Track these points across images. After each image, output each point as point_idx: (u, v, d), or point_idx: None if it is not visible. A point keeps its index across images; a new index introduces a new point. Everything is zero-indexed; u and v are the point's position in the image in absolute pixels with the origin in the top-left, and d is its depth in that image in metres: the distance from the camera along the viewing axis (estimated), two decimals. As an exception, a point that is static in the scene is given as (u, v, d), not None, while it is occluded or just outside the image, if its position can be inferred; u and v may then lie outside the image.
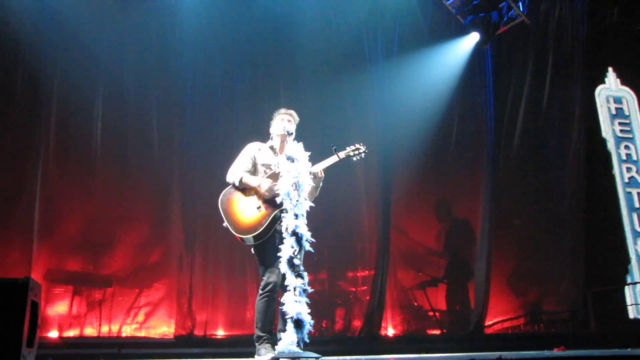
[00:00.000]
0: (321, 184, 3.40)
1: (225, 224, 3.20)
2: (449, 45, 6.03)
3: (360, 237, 5.70)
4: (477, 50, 6.04)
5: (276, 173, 3.28)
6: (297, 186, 3.04)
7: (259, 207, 3.24)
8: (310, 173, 3.24)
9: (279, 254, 3.00)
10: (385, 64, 5.92)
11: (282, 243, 3.00)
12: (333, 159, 3.42)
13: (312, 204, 3.15)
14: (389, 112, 5.82)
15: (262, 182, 3.27)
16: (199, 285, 5.09)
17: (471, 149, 6.04)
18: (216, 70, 5.55)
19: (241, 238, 3.21)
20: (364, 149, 3.58)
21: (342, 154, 3.47)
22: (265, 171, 3.39)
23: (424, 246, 5.84)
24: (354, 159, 3.56)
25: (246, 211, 3.24)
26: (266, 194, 3.25)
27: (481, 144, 6.00)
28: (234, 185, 3.34)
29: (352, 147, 3.56)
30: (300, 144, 3.21)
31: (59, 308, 4.76)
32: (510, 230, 5.87)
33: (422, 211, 5.90)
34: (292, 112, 3.56)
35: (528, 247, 5.81)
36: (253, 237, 3.17)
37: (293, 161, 3.10)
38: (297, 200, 3.00)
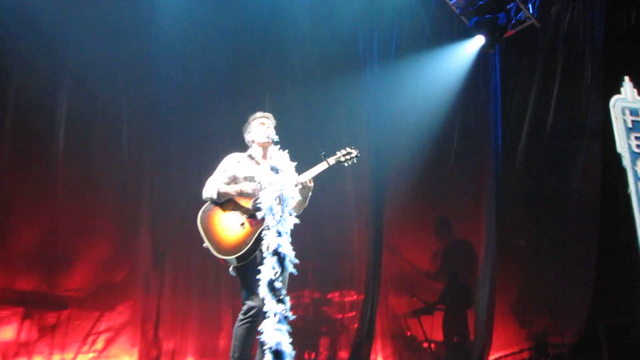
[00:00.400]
0: (310, 194, 3.47)
1: (206, 244, 3.25)
2: (451, 49, 6.14)
3: (348, 257, 5.77)
4: (482, 55, 6.14)
5: (254, 183, 3.34)
6: (281, 200, 3.07)
7: (242, 224, 3.29)
8: (298, 183, 3.30)
9: (259, 276, 3.03)
10: (382, 66, 6.01)
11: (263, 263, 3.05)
12: (322, 166, 3.49)
13: (298, 221, 3.19)
14: (384, 120, 5.90)
15: (242, 186, 3.33)
16: (167, 309, 5.09)
17: (474, 162, 6.14)
18: (195, 69, 5.59)
19: (224, 260, 3.25)
20: (355, 153, 3.68)
21: (332, 160, 3.57)
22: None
23: (419, 268, 5.94)
24: (345, 164, 3.67)
25: (229, 229, 3.27)
26: (251, 201, 3.27)
27: (484, 158, 6.10)
28: (212, 201, 3.38)
29: (343, 152, 3.66)
30: (286, 152, 3.26)
31: (4, 334, 4.63)
32: (515, 252, 5.96)
33: (417, 229, 5.98)
34: (269, 114, 3.64)
35: (534, 272, 5.88)
36: (237, 257, 3.21)
37: (277, 172, 3.14)
38: (281, 216, 3.05)
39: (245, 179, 3.44)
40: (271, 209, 3.08)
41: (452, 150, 6.09)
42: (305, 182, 3.39)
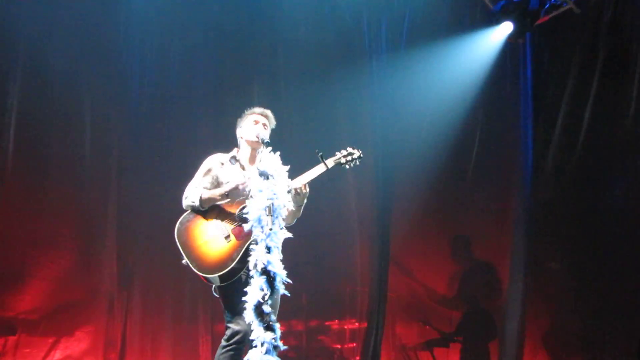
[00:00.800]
0: (305, 202, 3.47)
1: (185, 260, 3.26)
2: (473, 38, 6.07)
3: (349, 278, 5.81)
4: (510, 45, 6.02)
5: (242, 182, 3.36)
6: (271, 210, 3.07)
7: (227, 237, 3.31)
8: (291, 190, 3.31)
9: (244, 298, 3.05)
10: (390, 58, 6.02)
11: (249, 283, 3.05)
12: (320, 169, 3.50)
13: (290, 235, 3.20)
14: (392, 120, 5.93)
15: (227, 187, 3.36)
16: (134, 335, 5.12)
17: (498, 169, 6.10)
18: (171, 61, 5.64)
19: (206, 278, 3.27)
20: (358, 154, 3.71)
21: (330, 162, 3.58)
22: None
23: (432, 292, 5.94)
24: (347, 166, 3.69)
25: (212, 242, 3.30)
26: (237, 209, 3.28)
27: (511, 164, 6.04)
28: (193, 209, 3.40)
29: (344, 152, 3.68)
30: (277, 155, 3.26)
31: (-61, 364, 4.79)
32: (547, 276, 5.89)
33: (431, 247, 5.99)
34: (269, 113, 3.66)
35: (570, 299, 5.80)
36: (221, 276, 3.22)
37: (267, 178, 3.14)
38: (271, 229, 3.04)
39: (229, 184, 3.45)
40: (259, 221, 3.07)
41: (472, 157, 6.08)
42: (300, 187, 3.39)
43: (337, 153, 3.67)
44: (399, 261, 5.89)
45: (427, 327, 5.77)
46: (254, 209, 3.12)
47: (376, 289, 5.63)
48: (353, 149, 3.73)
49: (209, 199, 3.38)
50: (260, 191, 3.13)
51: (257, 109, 3.67)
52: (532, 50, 6.19)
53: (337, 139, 5.53)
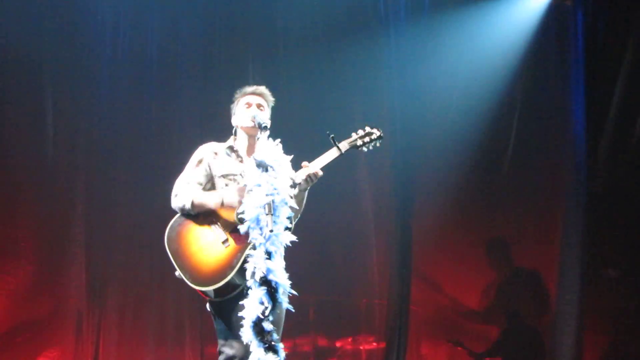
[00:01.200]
0: (306, 193, 3.45)
1: (179, 272, 3.27)
2: (510, 0, 6.08)
3: (364, 289, 5.84)
4: (556, 9, 6.01)
5: (242, 187, 3.34)
6: (271, 208, 3.04)
7: (225, 241, 3.32)
8: (294, 183, 3.32)
9: (241, 313, 3.03)
10: (411, 26, 6.01)
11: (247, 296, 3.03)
12: (332, 154, 3.50)
13: (295, 238, 3.18)
14: (413, 100, 5.93)
15: (225, 195, 3.36)
16: (108, 358, 5.13)
17: (542, 159, 6.03)
18: (149, 33, 5.69)
19: (203, 292, 3.28)
20: (378, 134, 3.70)
21: (345, 145, 3.58)
22: (226, 186, 3.47)
23: (463, 306, 5.96)
24: (364, 149, 3.68)
25: (208, 249, 3.31)
26: (235, 212, 3.26)
27: (558, 153, 5.99)
28: (183, 212, 3.41)
29: (360, 132, 3.68)
30: (278, 142, 3.25)
31: None
32: (604, 286, 5.84)
33: (461, 253, 5.98)
34: (263, 90, 3.67)
35: (632, 312, 5.75)
36: (218, 289, 3.22)
37: (266, 169, 3.12)
38: (271, 231, 3.00)
39: (223, 177, 3.48)
40: (257, 221, 3.05)
41: (509, 144, 6.04)
42: (311, 175, 3.39)
43: (353, 134, 3.65)
44: (423, 269, 5.90)
45: (458, 347, 5.75)
46: (250, 208, 3.09)
47: (396, 301, 5.65)
48: (372, 128, 3.71)
49: (202, 205, 3.38)
50: (258, 185, 3.10)
51: (249, 88, 3.67)
52: (584, 16, 6.06)
53: (348, 124, 5.34)
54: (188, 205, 3.37)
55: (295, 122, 5.58)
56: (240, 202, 3.22)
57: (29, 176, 5.29)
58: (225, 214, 3.37)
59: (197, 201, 3.37)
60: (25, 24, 5.34)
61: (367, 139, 3.68)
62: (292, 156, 3.28)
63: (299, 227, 3.43)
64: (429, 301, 5.92)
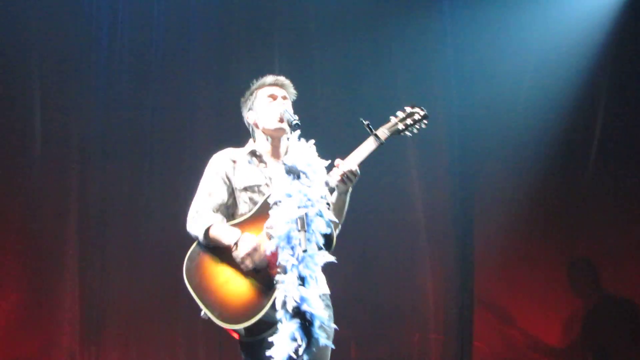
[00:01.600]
0: (348, 197, 3.46)
1: (204, 312, 3.27)
2: None
3: (416, 320, 5.81)
4: None
5: (267, 204, 3.31)
6: (304, 223, 3.03)
7: (257, 269, 3.29)
8: (330, 187, 3.33)
9: (268, 353, 3.01)
10: (467, 1, 6.08)
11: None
12: (369, 146, 3.49)
13: (333, 258, 3.16)
14: (474, 85, 5.96)
15: (240, 241, 3.32)
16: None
17: (636, 159, 5.99)
18: (154, 20, 5.73)
19: (236, 330, 3.28)
20: (422, 114, 3.69)
21: (384, 132, 3.56)
22: (250, 200, 3.50)
23: (539, 341, 5.89)
24: (407, 133, 3.67)
25: (236, 280, 3.31)
26: (248, 264, 3.29)
27: None
28: (198, 240, 3.42)
29: (400, 115, 3.67)
30: (311, 143, 3.23)
31: None
32: None
33: (535, 274, 5.93)
34: (285, 80, 3.71)
35: None
36: (254, 324, 3.21)
37: (298, 176, 3.13)
38: (305, 251, 3.00)
39: (246, 190, 3.50)
40: (288, 239, 3.04)
41: (594, 139, 6.02)
42: (347, 173, 3.38)
43: (392, 118, 3.63)
44: (488, 296, 5.92)
45: (535, 394, 5.81)
46: (280, 223, 3.08)
47: (456, 336, 5.70)
48: (413, 107, 3.69)
49: (217, 240, 3.37)
50: (289, 196, 3.10)
51: (268, 79, 3.69)
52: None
53: (394, 107, 5.49)
54: (201, 236, 3.39)
55: (330, 118, 5.65)
56: (248, 255, 3.25)
57: (12, 193, 5.36)
58: (252, 232, 3.35)
59: (213, 234, 3.38)
60: (8, 9, 5.45)
61: (409, 121, 3.65)
62: (328, 162, 3.26)
63: (336, 246, 3.39)
64: (496, 336, 5.90)
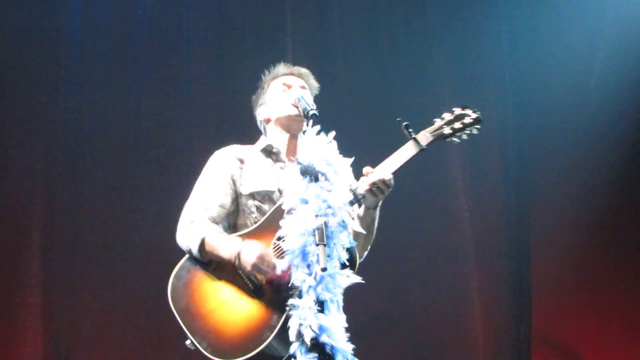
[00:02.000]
0: (378, 212, 3.48)
1: (191, 340, 3.28)
2: None
3: (463, 356, 5.87)
4: None
5: (278, 213, 3.34)
6: (323, 236, 3.03)
7: (258, 289, 3.32)
8: (358, 196, 3.33)
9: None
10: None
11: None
12: (408, 151, 3.47)
13: (359, 278, 3.19)
14: (532, 78, 6.07)
15: (242, 249, 3.33)
16: None
17: None
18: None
19: None
20: (474, 117, 3.63)
21: (426, 137, 3.53)
22: (257, 209, 3.55)
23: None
24: (454, 139, 3.62)
25: (233, 303, 3.33)
26: (252, 274, 3.30)
27: None
28: (191, 254, 3.44)
29: (447, 116, 3.63)
30: (331, 137, 3.30)
31: None
32: None
33: (607, 303, 5.92)
34: (303, 70, 3.80)
35: None
36: (255, 359, 3.20)
37: (316, 178, 3.15)
38: (324, 269, 2.99)
39: (254, 197, 3.54)
40: (304, 255, 3.07)
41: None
42: (380, 183, 3.33)
43: (437, 120, 3.58)
44: (548, 328, 5.92)
45: None
46: (293, 235, 3.10)
47: None
48: (463, 108, 3.63)
49: (214, 252, 3.39)
50: (304, 202, 3.12)
51: (283, 68, 3.78)
52: None
53: (437, 110, 5.49)
54: (195, 249, 3.41)
55: (357, 115, 5.79)
56: (256, 267, 3.26)
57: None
58: (260, 240, 3.37)
59: (206, 246, 3.40)
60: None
61: (457, 125, 3.57)
62: (352, 158, 3.33)
63: (364, 264, 3.43)
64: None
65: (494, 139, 6.03)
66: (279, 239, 3.30)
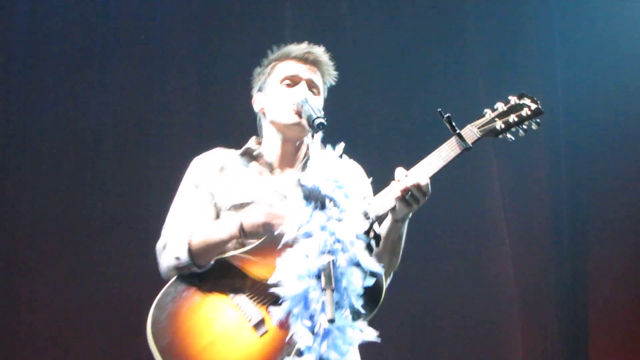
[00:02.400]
0: (406, 226, 3.52)
1: None
2: None
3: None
4: None
5: (271, 243, 3.33)
6: (331, 278, 3.03)
7: (259, 325, 3.34)
8: (374, 219, 3.35)
9: None
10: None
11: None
12: (450, 150, 3.52)
13: (375, 334, 3.18)
14: (586, 77, 6.34)
15: (242, 218, 3.46)
16: None
17: None
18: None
19: None
20: (534, 108, 3.69)
21: (473, 132, 3.59)
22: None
23: None
24: (508, 135, 3.69)
25: (228, 341, 3.36)
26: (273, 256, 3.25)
27: None
28: (180, 271, 3.48)
29: (501, 107, 3.67)
30: (340, 151, 3.30)
31: None
32: None
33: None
34: (321, 56, 3.81)
35: None
36: None
37: (322, 205, 3.15)
38: (332, 321, 3.01)
39: (239, 210, 3.58)
40: (305, 302, 3.07)
41: None
42: (408, 191, 3.36)
43: (487, 111, 3.62)
44: None
45: None
46: (292, 277, 3.10)
47: None
48: (520, 97, 3.67)
49: (207, 246, 3.45)
50: (307, 236, 3.11)
51: (295, 48, 3.77)
52: None
53: (473, 110, 5.57)
54: (184, 258, 3.44)
55: (370, 122, 5.86)
56: (268, 224, 3.35)
57: None
58: (259, 270, 3.43)
59: (196, 241, 3.46)
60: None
61: (513, 118, 3.61)
62: (370, 179, 3.48)
63: (384, 310, 3.43)
64: None
65: (543, 146, 6.21)
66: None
